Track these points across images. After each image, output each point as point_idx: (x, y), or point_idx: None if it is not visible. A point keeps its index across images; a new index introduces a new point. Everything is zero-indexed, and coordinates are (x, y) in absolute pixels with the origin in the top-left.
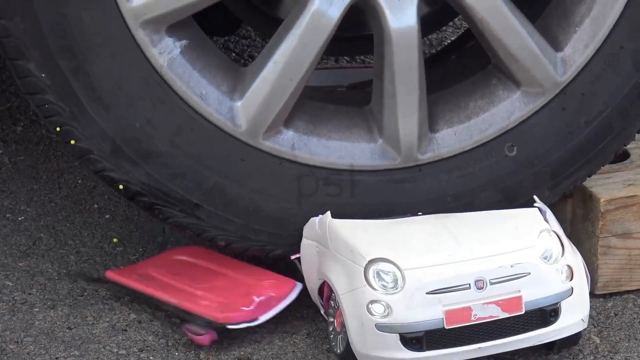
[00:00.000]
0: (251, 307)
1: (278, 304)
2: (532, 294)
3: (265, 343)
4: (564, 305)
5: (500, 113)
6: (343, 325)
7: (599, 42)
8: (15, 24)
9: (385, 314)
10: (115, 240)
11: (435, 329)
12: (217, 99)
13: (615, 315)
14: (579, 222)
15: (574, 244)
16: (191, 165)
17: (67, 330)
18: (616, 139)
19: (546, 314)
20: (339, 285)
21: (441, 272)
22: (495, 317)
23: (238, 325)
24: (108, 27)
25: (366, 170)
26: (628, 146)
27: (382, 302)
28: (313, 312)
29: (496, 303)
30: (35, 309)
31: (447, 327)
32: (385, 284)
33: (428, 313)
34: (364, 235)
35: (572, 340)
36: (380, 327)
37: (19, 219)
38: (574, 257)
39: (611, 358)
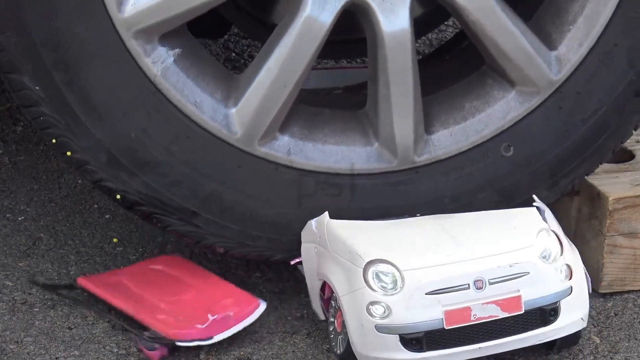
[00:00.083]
0: (204, 325)
1: (236, 323)
2: (532, 294)
3: (265, 343)
4: (564, 304)
5: (495, 113)
6: (343, 325)
7: (593, 40)
8: (7, 38)
9: (385, 315)
10: (115, 240)
11: (435, 330)
12: (211, 107)
13: (615, 315)
14: (585, 220)
15: (578, 242)
16: (187, 173)
17: (67, 330)
18: (613, 136)
19: (546, 313)
20: (339, 287)
21: (440, 272)
22: (495, 316)
23: (190, 342)
24: (101, 39)
25: (363, 173)
26: (633, 147)
27: (382, 303)
28: (313, 312)
29: (495, 303)
30: (35, 309)
31: (446, 328)
32: (384, 285)
33: (427, 313)
34: (362, 236)
35: (572, 340)
36: (380, 328)
37: (19, 219)
38: (572, 256)
39: (611, 358)
